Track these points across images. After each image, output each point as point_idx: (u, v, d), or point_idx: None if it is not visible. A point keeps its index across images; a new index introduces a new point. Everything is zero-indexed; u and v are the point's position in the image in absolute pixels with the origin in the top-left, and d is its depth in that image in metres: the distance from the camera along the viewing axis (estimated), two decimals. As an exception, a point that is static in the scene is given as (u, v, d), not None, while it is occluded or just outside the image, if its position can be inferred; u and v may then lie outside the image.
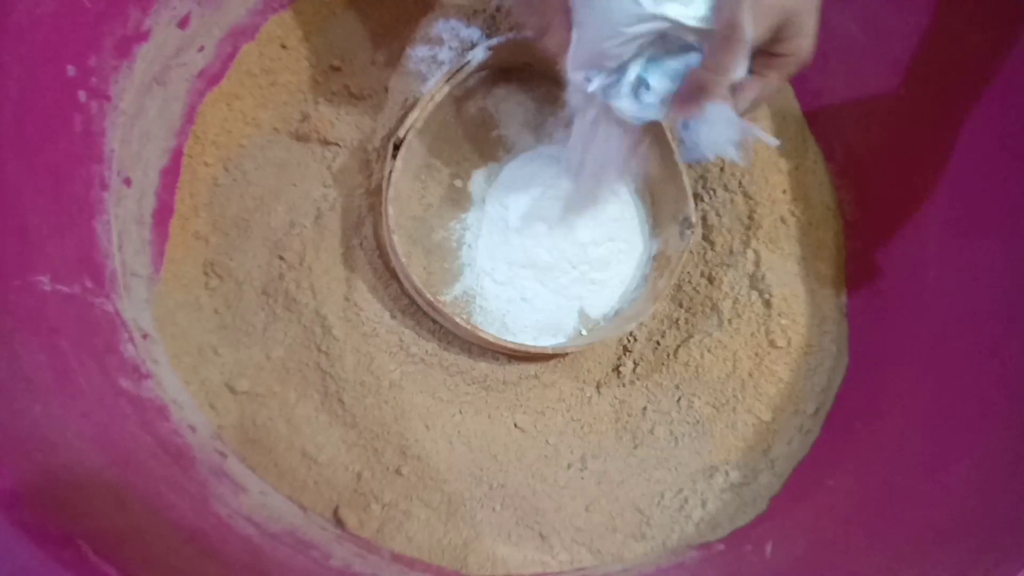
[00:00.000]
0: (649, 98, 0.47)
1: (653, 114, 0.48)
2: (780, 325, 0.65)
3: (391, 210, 0.57)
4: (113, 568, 0.36)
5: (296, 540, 0.52)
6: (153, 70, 0.55)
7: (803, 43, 0.42)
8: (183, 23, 0.56)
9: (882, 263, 0.65)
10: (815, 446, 0.64)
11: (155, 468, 0.48)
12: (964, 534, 0.48)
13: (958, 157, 0.59)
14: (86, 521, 0.39)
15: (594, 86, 0.48)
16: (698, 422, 0.64)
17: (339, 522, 0.56)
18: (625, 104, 0.48)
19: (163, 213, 0.59)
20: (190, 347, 0.57)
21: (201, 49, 0.59)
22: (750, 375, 0.65)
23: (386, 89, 0.64)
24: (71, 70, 0.48)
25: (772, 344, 0.65)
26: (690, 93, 0.44)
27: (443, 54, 0.62)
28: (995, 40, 0.56)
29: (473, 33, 0.62)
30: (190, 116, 0.61)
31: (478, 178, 0.65)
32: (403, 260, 0.57)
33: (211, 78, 0.62)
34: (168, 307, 0.58)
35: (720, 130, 0.48)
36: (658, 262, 0.67)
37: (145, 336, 0.55)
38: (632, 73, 0.47)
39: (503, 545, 0.58)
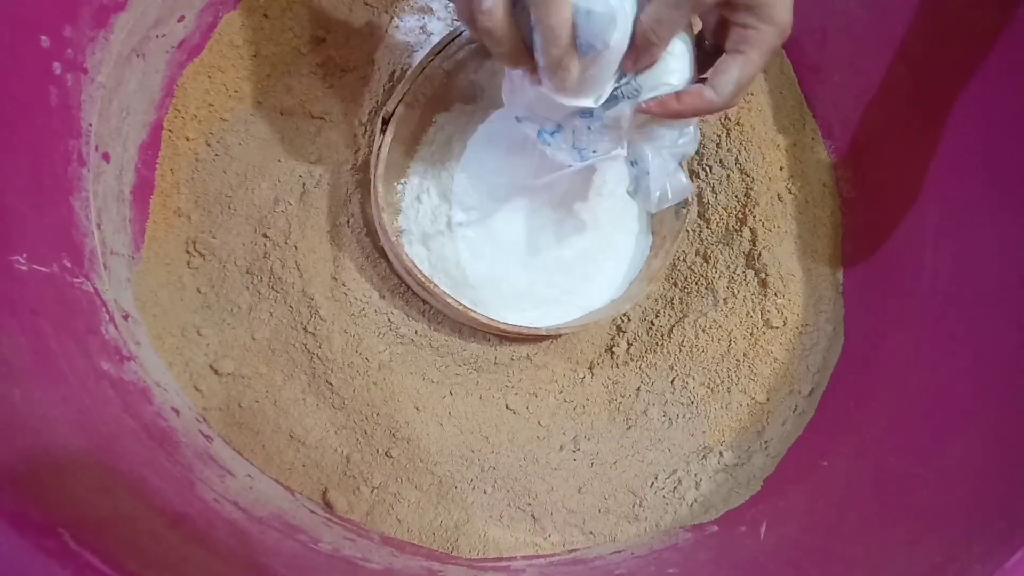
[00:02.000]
0: (584, 150, 0.48)
1: (589, 159, 0.49)
2: (776, 304, 0.64)
3: (380, 188, 0.56)
4: (95, 556, 0.35)
5: (284, 524, 0.51)
6: (132, 41, 0.53)
7: (776, 12, 0.40)
8: (162, -8, 0.54)
9: (879, 242, 0.64)
10: (809, 427, 0.63)
11: (139, 452, 0.47)
12: (958, 517, 0.48)
13: (958, 136, 0.58)
14: (68, 508, 0.38)
15: (529, 130, 0.49)
16: (692, 403, 0.63)
17: (328, 505, 0.56)
18: (560, 155, 0.49)
19: (143, 189, 0.58)
20: (173, 328, 0.56)
21: (181, 19, 0.57)
22: (745, 355, 0.64)
23: (373, 61, 0.62)
24: (45, 41, 0.46)
25: (767, 324, 0.64)
26: (641, 49, 0.41)
27: (432, 24, 0.60)
28: (996, 18, 0.55)
29: (464, 3, 0.60)
30: (170, 89, 0.59)
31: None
32: (393, 239, 0.55)
33: (192, 49, 0.60)
34: (150, 287, 0.56)
35: (663, 166, 0.49)
36: (653, 241, 0.65)
37: (126, 317, 0.53)
38: (567, 134, 0.48)
39: (495, 527, 0.58)
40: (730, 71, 0.42)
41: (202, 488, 0.48)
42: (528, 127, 0.49)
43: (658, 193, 0.50)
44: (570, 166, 0.51)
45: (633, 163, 0.50)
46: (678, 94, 0.44)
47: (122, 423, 0.47)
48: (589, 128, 0.46)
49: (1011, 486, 0.47)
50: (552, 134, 0.48)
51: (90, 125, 0.51)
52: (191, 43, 0.59)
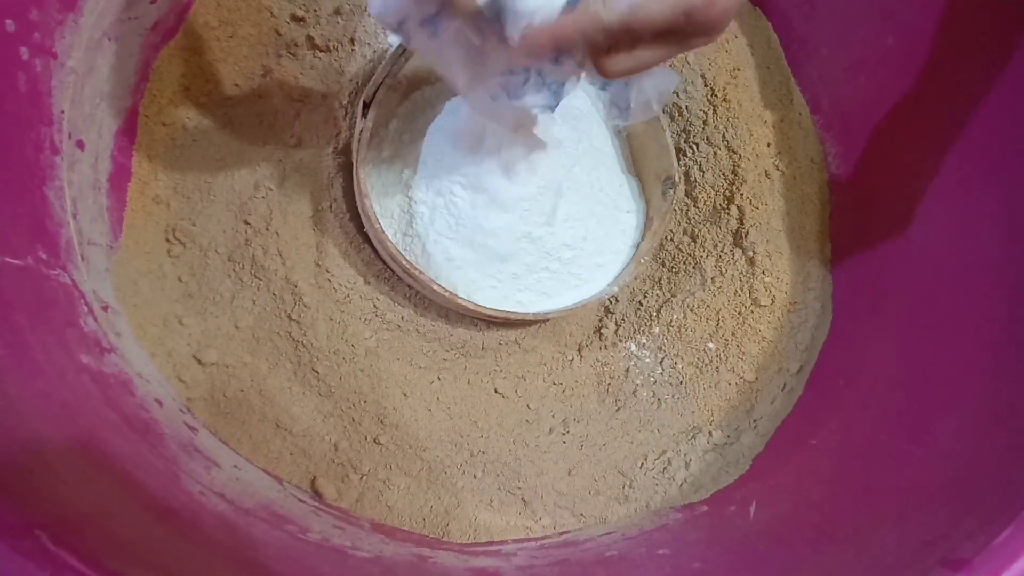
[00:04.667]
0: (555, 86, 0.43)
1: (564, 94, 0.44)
2: (764, 283, 0.64)
3: (362, 173, 0.55)
4: (75, 557, 0.34)
5: (272, 515, 0.50)
6: (103, 24, 0.52)
7: None
8: (132, -28, 0.52)
9: (867, 218, 0.64)
10: (798, 405, 0.63)
11: (121, 446, 0.46)
12: (947, 494, 0.48)
13: (947, 109, 0.57)
14: (46, 507, 0.37)
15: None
16: (681, 383, 0.63)
17: (317, 493, 0.55)
18: (534, 98, 0.44)
19: (120, 177, 0.57)
20: (154, 318, 0.55)
21: (154, 1, 0.56)
22: (733, 334, 0.64)
23: (352, 40, 0.61)
24: (10, 25, 0.45)
25: (755, 302, 0.64)
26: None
27: (412, 4, 0.59)
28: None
29: (445, -20, 0.59)
30: (145, 73, 0.58)
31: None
32: (377, 225, 0.55)
33: (166, 32, 0.58)
34: (129, 276, 0.55)
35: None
36: (642, 223, 0.65)
37: (106, 308, 0.52)
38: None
39: (485, 511, 0.58)
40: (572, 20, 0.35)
41: (187, 480, 0.48)
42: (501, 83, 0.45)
43: (641, 98, 0.44)
44: (550, 109, 0.45)
45: (603, 86, 0.46)
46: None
47: (103, 416, 0.46)
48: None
49: (1000, 463, 0.47)
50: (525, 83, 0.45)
51: (62, 112, 0.50)
52: (165, 25, 0.58)
